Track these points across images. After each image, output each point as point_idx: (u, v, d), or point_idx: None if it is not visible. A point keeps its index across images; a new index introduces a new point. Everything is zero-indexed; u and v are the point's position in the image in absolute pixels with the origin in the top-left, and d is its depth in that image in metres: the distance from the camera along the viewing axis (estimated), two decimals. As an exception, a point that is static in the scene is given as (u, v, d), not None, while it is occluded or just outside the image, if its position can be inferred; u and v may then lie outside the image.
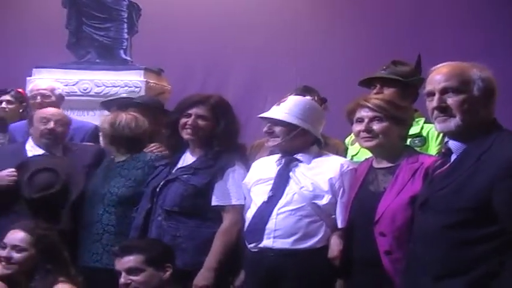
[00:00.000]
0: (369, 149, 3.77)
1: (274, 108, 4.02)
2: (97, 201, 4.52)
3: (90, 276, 4.25)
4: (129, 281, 3.76)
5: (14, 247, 3.90)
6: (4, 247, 3.92)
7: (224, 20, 9.58)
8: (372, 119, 3.69)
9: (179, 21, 9.52)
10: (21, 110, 6.45)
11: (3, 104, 6.39)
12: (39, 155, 4.87)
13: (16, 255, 3.89)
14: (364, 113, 3.72)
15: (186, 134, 4.26)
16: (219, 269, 4.03)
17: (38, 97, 5.92)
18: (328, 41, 9.50)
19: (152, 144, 4.82)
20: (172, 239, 4.11)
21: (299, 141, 3.97)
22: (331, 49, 9.38)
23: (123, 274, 3.78)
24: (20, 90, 6.53)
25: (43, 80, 6.42)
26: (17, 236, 3.94)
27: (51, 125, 4.92)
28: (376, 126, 3.68)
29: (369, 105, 3.71)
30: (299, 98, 4.22)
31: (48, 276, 3.85)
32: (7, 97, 6.40)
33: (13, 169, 4.69)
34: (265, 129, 3.97)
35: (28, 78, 7.19)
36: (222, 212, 4.14)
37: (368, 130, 3.69)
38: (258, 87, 9.54)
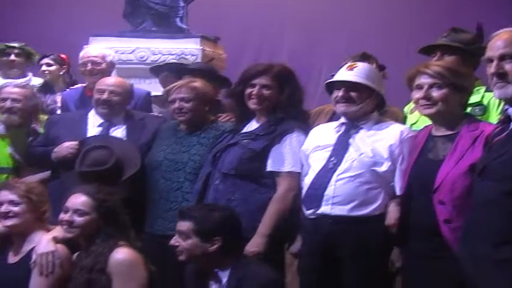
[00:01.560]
0: (428, 116, 3.74)
1: (347, 72, 3.98)
2: (176, 169, 4.54)
3: (164, 243, 4.22)
4: (177, 243, 3.82)
5: (76, 211, 3.94)
6: (66, 211, 3.96)
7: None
8: (431, 86, 3.66)
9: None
10: (61, 73, 6.55)
11: (44, 67, 6.52)
12: (100, 135, 4.94)
13: (78, 219, 3.93)
14: (423, 80, 3.69)
15: (252, 104, 4.28)
16: (272, 235, 4.05)
17: (89, 64, 5.95)
18: (384, 6, 9.40)
19: (225, 114, 4.87)
20: (228, 202, 4.14)
21: (368, 107, 3.96)
22: (388, 15, 9.29)
23: (176, 235, 3.84)
24: (62, 55, 6.63)
25: (94, 47, 6.47)
26: (79, 200, 3.97)
27: (106, 95, 4.98)
28: (435, 93, 3.64)
29: (429, 71, 3.67)
30: (368, 64, 4.20)
31: (108, 240, 3.88)
32: (47, 60, 6.54)
33: (76, 142, 4.78)
34: (340, 93, 3.95)
35: (85, 46, 7.22)
36: (277, 178, 4.15)
37: (427, 97, 3.65)
38: (312, 54, 9.52)
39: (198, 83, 4.68)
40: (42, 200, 4.19)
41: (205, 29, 7.77)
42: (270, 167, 4.15)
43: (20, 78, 6.14)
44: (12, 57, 6.59)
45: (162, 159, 4.62)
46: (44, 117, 5.51)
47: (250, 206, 4.12)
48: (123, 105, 5.07)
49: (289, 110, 4.23)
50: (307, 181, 3.99)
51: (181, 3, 7.64)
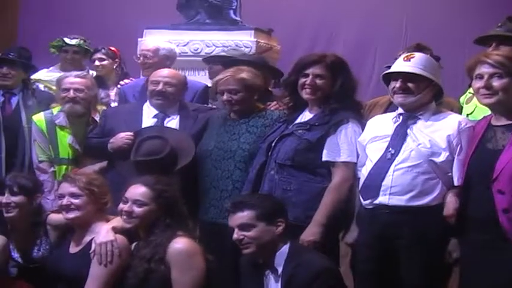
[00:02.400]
0: (488, 105, 3.69)
1: (405, 63, 3.96)
2: (226, 158, 4.59)
3: (216, 231, 4.39)
4: (241, 237, 3.80)
5: (135, 201, 3.98)
6: (126, 201, 4.01)
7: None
8: (491, 75, 3.61)
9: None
10: (114, 66, 6.62)
11: (96, 62, 6.58)
12: (155, 126, 5.00)
13: (137, 210, 3.97)
14: (484, 69, 3.64)
15: (305, 94, 4.28)
16: (328, 225, 4.05)
17: (141, 57, 6.07)
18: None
19: (274, 102, 4.88)
20: (283, 192, 4.16)
21: (426, 98, 3.94)
22: (443, 5, 9.19)
23: (236, 230, 3.82)
24: (112, 48, 6.69)
25: (150, 41, 6.53)
26: (138, 190, 4.01)
27: (160, 86, 5.04)
28: (496, 83, 3.59)
29: (489, 61, 3.63)
30: (425, 55, 4.15)
31: (167, 230, 3.92)
32: (99, 55, 6.60)
33: (131, 133, 4.83)
34: (397, 84, 3.92)
35: (139, 39, 7.30)
36: (332, 168, 4.15)
37: (488, 87, 3.61)
38: (366, 44, 9.47)
39: (245, 74, 4.69)
40: (103, 191, 4.24)
41: (259, 21, 7.77)
42: (325, 157, 4.15)
43: (78, 72, 6.19)
44: (71, 54, 6.70)
45: (213, 148, 4.67)
46: (102, 107, 5.60)
47: (305, 195, 4.14)
48: (177, 96, 5.12)
49: (342, 100, 4.22)
50: (364, 171, 3.99)
51: (235, -5, 7.66)
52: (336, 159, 4.13)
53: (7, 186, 4.38)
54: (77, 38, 6.72)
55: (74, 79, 5.38)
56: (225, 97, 4.66)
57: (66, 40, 6.68)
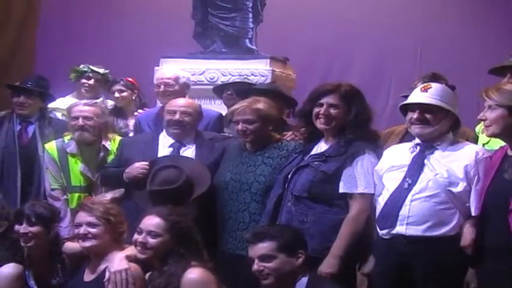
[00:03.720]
0: (491, 137, 3.80)
1: (422, 94, 3.96)
2: (242, 190, 4.58)
3: (235, 262, 4.39)
4: (262, 268, 3.77)
5: (149, 232, 3.97)
6: (140, 232, 4.00)
7: (346, 6, 9.55)
8: (489, 107, 3.70)
9: (302, 9, 9.53)
10: (134, 97, 6.64)
11: (116, 94, 6.59)
12: (170, 155, 5.00)
13: (151, 241, 3.96)
14: (486, 102, 3.72)
15: (319, 124, 4.28)
16: (346, 256, 4.03)
17: (162, 86, 6.03)
18: (454, 25, 9.32)
19: (289, 133, 4.88)
20: (300, 224, 4.14)
21: (443, 128, 3.94)
22: (457, 34, 9.20)
23: (256, 261, 3.79)
24: (129, 78, 6.72)
25: (168, 69, 6.52)
26: (152, 221, 4.00)
27: (177, 116, 5.03)
28: (489, 115, 3.69)
29: (485, 94, 3.71)
30: (443, 85, 4.16)
31: (181, 260, 3.90)
32: (118, 86, 6.60)
33: (147, 163, 4.83)
34: (415, 115, 3.93)
35: (155, 68, 7.32)
36: (350, 200, 4.13)
37: (484, 119, 3.72)
38: (380, 73, 9.48)
39: (261, 104, 4.69)
40: (119, 220, 4.24)
41: (274, 50, 7.78)
42: (342, 188, 4.14)
43: (92, 100, 6.21)
44: (92, 81, 6.73)
45: (229, 180, 4.66)
46: (114, 136, 5.60)
47: (322, 227, 4.12)
48: (193, 126, 5.12)
49: (358, 130, 4.21)
50: (381, 201, 3.98)
51: (251, 25, 7.64)
52: (353, 190, 4.12)
53: (25, 215, 4.38)
54: (103, 68, 6.77)
55: (83, 107, 5.43)
56: (240, 127, 4.66)
57: (92, 67, 6.72)
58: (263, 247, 3.78)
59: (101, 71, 6.77)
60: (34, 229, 4.35)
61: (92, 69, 6.74)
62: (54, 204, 5.22)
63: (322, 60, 9.67)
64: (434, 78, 4.91)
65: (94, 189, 5.38)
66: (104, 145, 5.43)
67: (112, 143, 5.46)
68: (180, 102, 5.17)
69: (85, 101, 5.65)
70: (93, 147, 5.42)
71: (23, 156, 5.74)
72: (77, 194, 5.38)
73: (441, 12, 9.44)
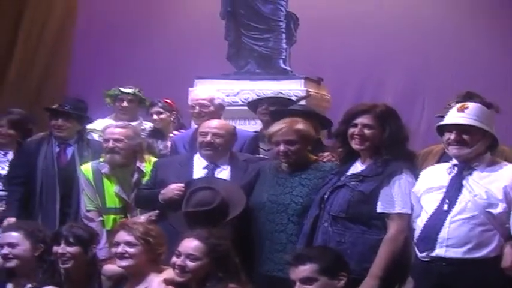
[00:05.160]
0: None
1: (458, 114, 3.96)
2: (279, 211, 4.58)
3: (272, 284, 4.40)
4: None
5: (189, 256, 3.97)
6: (179, 255, 4.00)
7: (378, 27, 9.55)
8: None
9: (335, 29, 9.55)
10: (172, 119, 6.65)
11: (154, 116, 6.61)
12: (205, 177, 5.00)
13: (190, 264, 3.97)
14: None
15: (354, 144, 4.28)
16: (385, 277, 4.01)
17: (197, 107, 6.04)
18: (486, 44, 9.28)
19: (327, 153, 4.88)
20: (338, 244, 4.13)
21: (481, 149, 3.93)
22: (489, 53, 9.16)
23: (298, 283, 3.77)
24: (167, 100, 6.73)
25: (203, 90, 6.53)
26: (191, 244, 4.01)
27: (209, 137, 5.03)
28: None
29: None
30: (479, 105, 4.13)
31: (219, 284, 3.90)
32: (156, 108, 6.61)
33: (182, 184, 4.84)
34: (452, 136, 3.92)
35: (190, 88, 7.35)
36: (387, 220, 4.11)
37: None
38: (414, 92, 9.46)
39: (301, 125, 4.69)
40: (158, 242, 4.25)
41: (307, 70, 7.79)
42: (380, 208, 4.12)
43: (132, 123, 6.19)
44: (125, 103, 6.76)
45: (265, 201, 4.66)
46: (150, 157, 5.61)
47: (360, 248, 4.10)
48: (226, 147, 5.11)
49: (394, 150, 4.20)
50: (419, 223, 3.96)
51: (284, 45, 7.66)
52: (391, 211, 4.10)
53: (63, 236, 4.42)
54: (132, 88, 6.79)
55: (113, 129, 5.47)
56: (282, 148, 4.64)
57: (122, 89, 6.75)
58: (304, 270, 3.75)
59: (130, 90, 6.78)
60: (72, 250, 4.38)
61: (121, 91, 6.76)
62: (89, 225, 5.25)
63: (355, 80, 9.67)
64: (469, 96, 4.87)
65: (129, 211, 5.39)
66: (138, 167, 5.45)
67: (147, 165, 5.46)
68: (212, 124, 5.17)
69: (118, 123, 5.69)
70: (127, 169, 5.45)
71: (62, 178, 5.76)
72: (112, 216, 5.40)
73: (473, 29, 9.41)
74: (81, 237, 4.43)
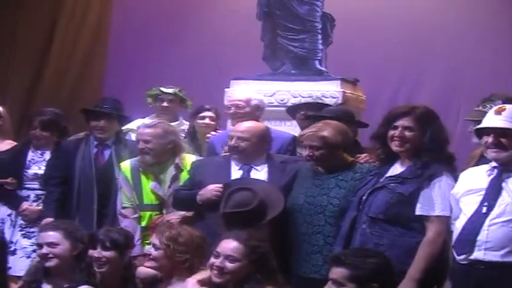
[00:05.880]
0: None
1: (495, 117, 3.94)
2: (316, 213, 4.60)
3: (308, 286, 4.42)
4: None
5: (228, 257, 3.97)
6: (217, 256, 4.01)
7: (415, 28, 9.51)
8: None
9: (371, 29, 9.52)
10: (218, 127, 6.64)
11: (206, 120, 6.60)
12: (244, 178, 5.03)
13: (229, 265, 3.96)
14: None
15: (394, 146, 4.27)
16: (423, 280, 4.00)
17: (233, 108, 6.04)
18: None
19: (364, 155, 4.89)
20: (376, 246, 4.13)
21: None
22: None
23: (329, 283, 3.80)
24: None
25: (241, 91, 6.55)
26: (230, 245, 4.01)
27: (232, 141, 5.07)
28: None
29: None
30: None
31: (257, 285, 3.91)
32: (210, 113, 6.62)
33: (220, 185, 4.87)
34: (490, 140, 3.90)
35: (226, 89, 7.38)
36: (426, 222, 4.10)
37: None
38: (451, 94, 9.39)
39: (327, 132, 4.67)
40: (184, 250, 4.21)
41: (343, 71, 7.78)
42: (419, 211, 4.11)
43: (171, 123, 6.20)
44: (165, 103, 6.75)
45: (302, 203, 4.68)
46: (187, 155, 5.64)
47: (398, 250, 4.10)
48: (253, 150, 5.09)
49: (434, 153, 4.19)
50: (458, 225, 3.94)
51: (320, 46, 7.65)
52: (430, 213, 4.09)
53: (99, 240, 4.42)
54: (173, 88, 6.79)
55: (143, 130, 5.51)
56: (307, 152, 4.71)
57: (162, 89, 6.74)
58: (336, 272, 3.77)
59: (171, 91, 6.78)
60: (108, 254, 4.38)
61: (162, 91, 6.78)
62: (123, 222, 5.38)
63: (391, 81, 9.63)
64: (509, 98, 4.84)
65: (165, 207, 5.42)
66: (177, 163, 5.48)
67: (185, 161, 5.50)
68: (238, 128, 5.18)
69: (147, 122, 5.71)
70: (164, 165, 5.49)
71: (100, 179, 5.82)
72: (148, 212, 5.43)
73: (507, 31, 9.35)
74: (117, 242, 4.43)
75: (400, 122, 4.26)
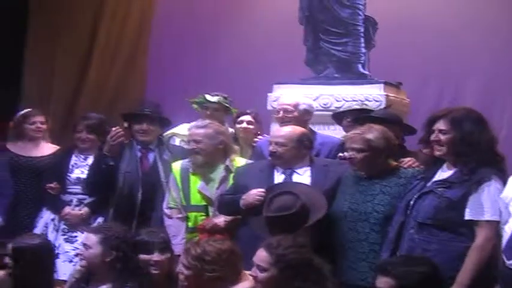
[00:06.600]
0: None
1: None
2: (361, 220, 4.57)
3: None
4: None
5: (258, 266, 3.93)
6: (253, 264, 3.99)
7: (458, 29, 9.41)
8: None
9: (413, 32, 9.44)
10: (257, 132, 6.62)
11: (244, 124, 6.60)
12: (287, 182, 5.01)
13: (260, 275, 3.92)
14: None
15: (436, 151, 4.23)
16: (472, 286, 3.95)
17: (281, 112, 6.01)
18: None
19: (408, 159, 4.82)
20: (424, 252, 4.08)
21: None
22: None
23: None
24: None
25: (289, 95, 6.47)
26: (259, 254, 3.96)
27: (271, 147, 5.09)
28: None
29: None
30: None
31: None
32: (248, 118, 6.61)
33: (263, 190, 4.86)
34: None
35: (269, 94, 7.38)
36: (475, 227, 4.05)
37: None
38: (493, 98, 9.27)
39: (372, 135, 4.65)
40: (212, 268, 4.17)
41: (386, 75, 7.71)
42: (468, 216, 4.06)
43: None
44: (209, 112, 6.62)
45: (347, 210, 4.65)
46: (237, 158, 5.66)
47: (447, 255, 4.05)
48: (292, 155, 5.09)
49: (480, 155, 4.13)
50: (507, 230, 3.88)
51: (363, 50, 7.60)
52: (480, 218, 4.03)
53: (155, 244, 4.59)
54: (218, 95, 6.68)
55: (194, 131, 5.54)
56: (348, 154, 4.69)
57: (207, 97, 6.65)
58: (383, 282, 3.73)
59: (215, 99, 6.67)
60: (163, 257, 4.53)
61: (206, 100, 6.69)
62: (167, 222, 5.46)
63: (434, 85, 9.53)
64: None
65: (213, 208, 5.42)
66: (227, 165, 5.49)
67: (235, 163, 5.54)
68: (276, 133, 5.23)
69: (199, 123, 5.71)
70: (214, 167, 5.51)
71: (145, 183, 5.84)
72: (194, 214, 5.46)
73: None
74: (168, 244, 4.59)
75: (436, 126, 4.24)
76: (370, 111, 6.13)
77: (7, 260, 4.72)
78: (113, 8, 10.31)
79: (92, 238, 4.62)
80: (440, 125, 4.21)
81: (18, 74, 9.72)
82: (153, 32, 10.42)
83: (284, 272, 3.89)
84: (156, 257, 4.49)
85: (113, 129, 5.79)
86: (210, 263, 4.17)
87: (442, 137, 4.19)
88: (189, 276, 4.18)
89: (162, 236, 4.65)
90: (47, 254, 4.87)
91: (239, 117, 6.66)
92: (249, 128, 6.60)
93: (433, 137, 4.21)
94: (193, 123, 5.83)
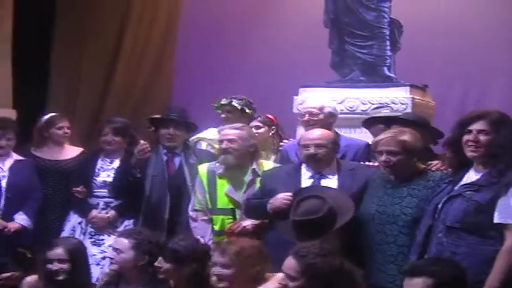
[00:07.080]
0: None
1: None
2: (389, 223, 4.56)
3: None
4: None
5: (286, 275, 3.85)
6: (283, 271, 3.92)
7: (481, 30, 9.35)
8: None
9: (438, 35, 9.40)
10: (270, 134, 6.58)
11: (253, 129, 6.55)
12: (314, 186, 5.01)
13: (290, 284, 3.83)
14: None
15: (469, 152, 4.18)
16: (502, 289, 3.92)
17: (306, 115, 6.02)
18: None
19: (436, 162, 4.80)
20: (452, 255, 4.03)
21: None
22: None
23: None
24: (269, 115, 6.67)
25: (315, 99, 6.50)
26: (287, 262, 3.87)
27: (311, 150, 5.04)
28: None
29: None
30: None
31: None
32: (255, 122, 6.56)
33: (290, 194, 4.86)
34: None
35: (295, 97, 7.38)
36: (505, 230, 3.99)
37: None
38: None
39: (406, 136, 4.63)
40: (252, 262, 4.16)
41: (411, 77, 7.69)
42: (497, 219, 4.00)
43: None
44: (223, 115, 6.60)
45: (374, 212, 4.63)
46: (264, 162, 5.66)
47: (475, 259, 4.00)
48: (329, 157, 5.10)
49: (509, 158, 4.08)
50: (535, 233, 3.84)
51: (389, 52, 7.58)
52: (509, 221, 3.98)
53: (173, 252, 4.52)
54: (242, 99, 6.68)
55: (228, 131, 5.54)
56: (383, 158, 4.63)
57: (234, 103, 6.63)
58: (418, 283, 3.64)
59: (238, 105, 6.63)
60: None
61: (222, 104, 6.67)
62: (192, 224, 5.49)
63: (458, 87, 9.49)
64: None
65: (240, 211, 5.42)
66: (254, 168, 5.50)
67: (262, 167, 5.53)
68: (313, 136, 5.17)
69: (233, 124, 5.73)
70: (242, 170, 5.51)
71: (172, 187, 5.89)
72: (220, 217, 5.46)
73: None
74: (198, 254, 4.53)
75: (475, 126, 4.17)
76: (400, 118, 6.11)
77: (55, 265, 4.74)
78: (139, 13, 10.33)
79: (124, 243, 4.67)
80: (480, 125, 4.15)
81: (46, 76, 9.79)
82: (179, 36, 10.45)
83: (313, 281, 3.80)
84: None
85: (141, 142, 5.81)
86: (250, 257, 4.17)
87: (482, 138, 4.13)
88: (230, 275, 4.14)
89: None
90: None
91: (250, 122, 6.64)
92: (257, 132, 6.49)
93: (470, 138, 4.14)
94: (221, 127, 5.84)
